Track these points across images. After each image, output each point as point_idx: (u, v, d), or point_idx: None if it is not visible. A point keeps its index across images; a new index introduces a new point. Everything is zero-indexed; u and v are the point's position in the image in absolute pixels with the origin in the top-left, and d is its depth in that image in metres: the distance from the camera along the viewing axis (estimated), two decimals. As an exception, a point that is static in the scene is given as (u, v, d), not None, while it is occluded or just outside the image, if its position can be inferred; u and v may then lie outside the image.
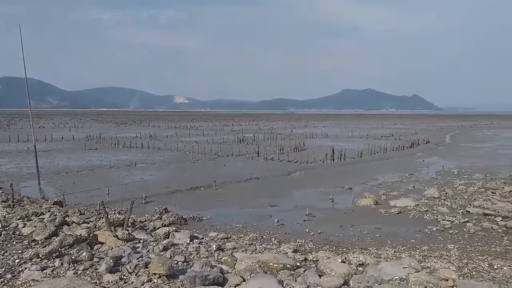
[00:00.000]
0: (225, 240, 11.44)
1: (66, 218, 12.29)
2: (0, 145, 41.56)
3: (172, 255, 9.42)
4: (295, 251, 10.32)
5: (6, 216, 12.61)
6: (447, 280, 8.40)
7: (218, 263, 9.00)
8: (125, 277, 7.84)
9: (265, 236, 12.36)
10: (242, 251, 10.25)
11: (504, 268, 9.39)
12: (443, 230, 13.23)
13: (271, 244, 11.39)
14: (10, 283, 7.48)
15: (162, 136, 55.95)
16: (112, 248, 9.65)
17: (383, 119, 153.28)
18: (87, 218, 12.75)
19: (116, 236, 10.26)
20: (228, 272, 8.40)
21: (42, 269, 8.12)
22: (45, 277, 7.78)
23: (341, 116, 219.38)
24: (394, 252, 10.72)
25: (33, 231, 10.91)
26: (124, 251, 9.15)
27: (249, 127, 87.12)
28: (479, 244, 11.79)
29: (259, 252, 10.26)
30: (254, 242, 11.41)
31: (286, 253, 10.22)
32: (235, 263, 8.90)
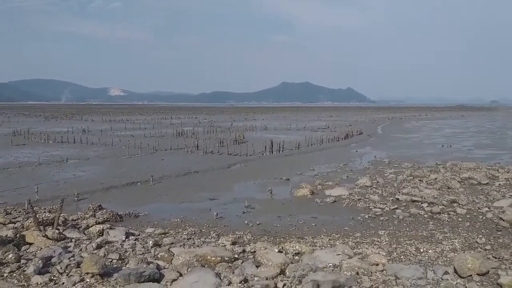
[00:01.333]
0: (163, 235, 11.28)
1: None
2: None
3: (106, 253, 9.15)
4: (233, 243, 10.41)
5: None
6: (377, 264, 8.90)
7: (155, 259, 8.88)
8: (55, 278, 7.51)
9: (204, 230, 12.34)
10: (180, 246, 10.17)
11: (430, 251, 10.10)
12: (374, 217, 13.92)
13: (210, 237, 11.39)
14: None
15: (96, 130, 53.79)
16: (41, 248, 9.18)
17: (320, 112, 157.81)
18: (13, 218, 12.02)
19: (46, 236, 9.77)
20: (164, 268, 8.31)
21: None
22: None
23: (280, 108, 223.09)
24: (329, 240, 11.14)
25: (-49, 234, 10.10)
26: (54, 251, 8.75)
27: (189, 120, 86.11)
28: (407, 229, 12.55)
29: (197, 246, 10.24)
30: (193, 237, 11.36)
31: (225, 245, 10.28)
32: (172, 259, 8.81)
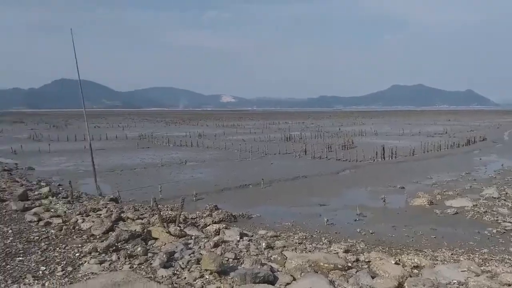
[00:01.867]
0: (275, 238, 11.43)
1: (122, 214, 12.75)
2: (59, 144, 43.85)
3: (222, 252, 9.53)
4: (346, 251, 10.13)
5: (66, 211, 13.27)
6: (510, 285, 7.96)
7: (268, 261, 9.00)
8: (178, 273, 8.02)
9: (314, 235, 12.24)
10: (292, 250, 10.19)
11: None
12: (504, 232, 12.52)
13: (321, 243, 11.25)
14: (71, 275, 7.85)
15: (211, 135, 56.86)
16: (165, 244, 9.91)
17: (435, 116, 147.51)
18: (141, 215, 13.19)
19: (169, 232, 10.52)
20: (278, 271, 8.38)
21: (100, 262, 8.48)
22: (103, 270, 8.10)
23: (391, 113, 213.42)
24: (452, 254, 10.27)
25: (91, 226, 11.42)
26: (176, 247, 9.36)
27: (296, 125, 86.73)
28: (545, 247, 11.06)
29: (309, 252, 10.16)
30: (304, 241, 11.33)
31: (337, 253, 10.05)
32: (285, 262, 8.87)
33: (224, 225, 12.21)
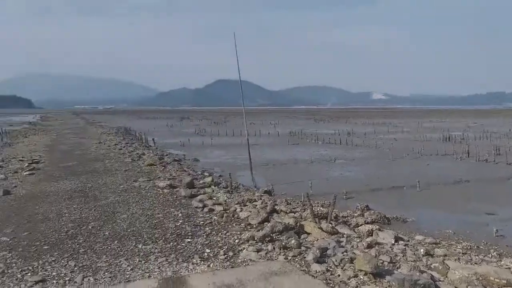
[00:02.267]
0: (434, 245, 10.58)
1: (275, 207, 13.29)
2: (220, 138, 47.85)
3: (377, 253, 9.20)
4: (522, 268, 8.83)
5: (227, 200, 14.39)
6: None
7: (427, 269, 8.38)
8: (331, 269, 8.01)
9: (481, 247, 10.97)
10: (455, 259, 9.30)
11: None
12: None
13: (490, 256, 10.02)
14: (232, 260, 8.48)
15: (360, 133, 55.56)
16: (317, 239, 10.00)
17: None
18: (293, 208, 13.56)
19: (321, 228, 10.58)
20: (439, 280, 7.74)
21: (257, 251, 8.96)
22: (260, 258, 8.55)
23: None
24: None
25: (249, 215, 12.17)
26: (329, 244, 9.36)
27: (455, 124, 79.11)
28: None
29: (475, 264, 9.14)
30: (469, 252, 10.24)
31: (509, 268, 8.84)
32: (447, 272, 8.14)
33: (377, 227, 11.78)
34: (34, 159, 25.14)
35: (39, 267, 8.03)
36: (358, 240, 10.29)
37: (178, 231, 10.53)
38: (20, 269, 7.89)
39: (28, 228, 10.91)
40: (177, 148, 37.61)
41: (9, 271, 7.82)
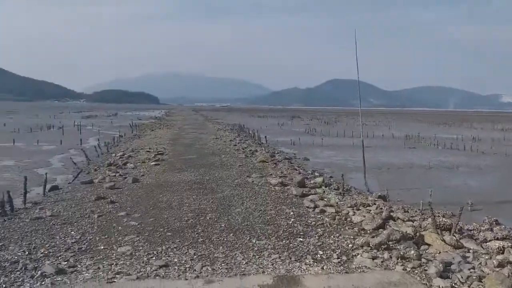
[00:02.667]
0: None
1: (391, 213, 12.61)
2: (330, 139, 47.21)
3: (509, 274, 8.17)
4: None
5: (338, 202, 14.07)
6: None
7: None
8: (456, 286, 7.31)
9: None
10: None
11: None
12: None
13: None
14: (345, 265, 8.21)
15: (486, 139, 50.44)
16: (439, 252, 9.22)
17: None
18: (411, 217, 12.72)
19: (443, 241, 9.74)
20: None
21: (373, 258, 8.56)
22: (376, 266, 8.16)
23: None
24: None
25: (362, 220, 11.72)
26: (453, 258, 8.57)
27: None
28: None
29: None
30: None
31: None
32: None
33: (509, 244, 10.48)
34: (159, 151, 27.40)
35: (163, 252, 8.65)
36: (486, 257, 9.25)
37: (290, 229, 10.56)
38: (146, 253, 8.59)
39: (153, 214, 11.86)
40: (287, 146, 38.03)
41: (136, 253, 8.56)
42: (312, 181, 17.99)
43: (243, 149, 30.58)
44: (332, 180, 20.07)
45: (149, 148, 29.26)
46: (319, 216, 12.18)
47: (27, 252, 8.47)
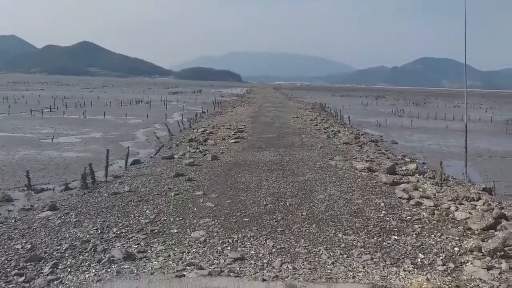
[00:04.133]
0: None
1: (503, 211, 10.71)
2: (420, 121, 43.76)
3: None
4: None
5: (436, 194, 12.33)
6: None
7: None
8: None
9: None
10: None
11: None
12: None
13: None
14: (453, 274, 6.78)
15: None
16: None
17: None
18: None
19: None
20: None
21: (488, 268, 7.00)
22: (492, 279, 6.62)
23: None
24: None
25: (467, 217, 10.00)
26: None
27: None
28: None
29: None
30: None
31: None
32: None
33: None
34: (239, 128, 26.95)
35: (239, 241, 7.84)
36: None
37: (381, 223, 9.22)
38: (221, 241, 7.83)
39: (230, 196, 11.16)
40: (373, 127, 35.78)
41: (210, 241, 7.83)
42: (403, 168, 16.23)
43: (325, 129, 29.12)
44: (425, 167, 18.09)
45: (230, 125, 28.95)
46: (414, 209, 10.66)
47: (99, 231, 8.14)
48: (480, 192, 13.59)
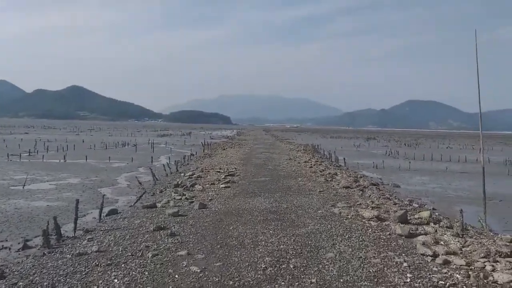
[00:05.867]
0: None
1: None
2: (417, 162, 42.38)
3: None
4: None
5: (463, 249, 10.47)
6: None
7: None
8: None
9: None
10: None
11: None
12: None
13: None
14: None
15: None
16: None
17: None
18: None
19: None
20: None
21: None
22: None
23: None
24: None
25: (511, 280, 8.15)
26: None
27: None
28: None
29: None
30: None
31: None
32: None
33: None
34: (230, 171, 25.10)
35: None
36: None
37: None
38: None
39: (221, 256, 9.19)
40: (370, 169, 34.17)
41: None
42: (416, 216, 14.41)
43: (321, 171, 27.40)
44: (437, 214, 16.29)
45: (220, 168, 27.10)
46: (444, 270, 8.77)
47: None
48: (508, 243, 11.80)
